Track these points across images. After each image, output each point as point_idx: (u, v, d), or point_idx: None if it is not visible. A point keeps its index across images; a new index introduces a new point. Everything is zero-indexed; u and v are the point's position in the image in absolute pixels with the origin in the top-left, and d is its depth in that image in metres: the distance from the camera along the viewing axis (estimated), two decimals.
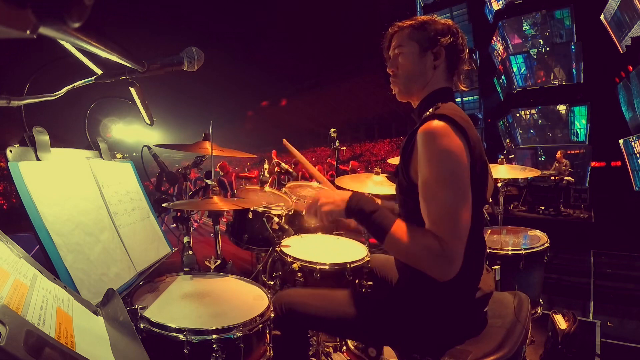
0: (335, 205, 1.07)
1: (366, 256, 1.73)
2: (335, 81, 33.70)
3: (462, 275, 1.12)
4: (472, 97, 20.10)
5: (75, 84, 0.98)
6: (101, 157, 1.42)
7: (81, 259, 1.05)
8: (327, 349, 1.87)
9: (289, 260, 1.66)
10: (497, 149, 16.52)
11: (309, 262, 1.63)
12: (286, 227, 1.82)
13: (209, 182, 1.89)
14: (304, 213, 1.20)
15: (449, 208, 0.94)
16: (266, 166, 2.34)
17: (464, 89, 1.24)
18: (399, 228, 0.98)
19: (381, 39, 1.25)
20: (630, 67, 11.01)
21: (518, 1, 15.18)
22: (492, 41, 16.81)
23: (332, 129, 2.72)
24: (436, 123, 0.98)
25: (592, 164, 14.42)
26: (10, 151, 1.00)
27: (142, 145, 1.95)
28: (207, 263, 1.61)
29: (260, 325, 1.18)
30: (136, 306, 1.08)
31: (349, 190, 1.37)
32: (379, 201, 1.38)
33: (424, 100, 1.17)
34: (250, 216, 2.07)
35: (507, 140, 16.94)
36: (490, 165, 1.29)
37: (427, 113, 1.08)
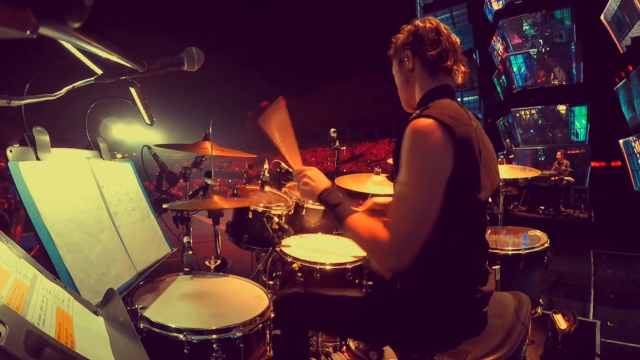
0: (313, 188, 1.18)
1: (366, 256, 1.73)
2: (335, 81, 33.69)
3: (462, 276, 1.13)
4: (472, 97, 20.09)
5: (75, 84, 0.98)
6: (101, 157, 1.42)
7: (81, 259, 1.05)
8: (327, 349, 1.87)
9: (289, 260, 1.66)
10: (497, 149, 16.44)
11: (309, 262, 1.63)
12: (286, 227, 1.82)
13: (209, 181, 1.89)
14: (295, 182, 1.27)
15: (409, 207, 0.96)
16: (266, 166, 2.34)
17: (460, 82, 1.22)
18: (355, 220, 1.07)
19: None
20: (630, 67, 10.99)
21: (518, 1, 15.16)
22: (492, 41, 16.79)
23: (332, 129, 2.72)
24: (420, 122, 0.99)
25: (592, 164, 14.40)
26: (11, 151, 1.00)
27: (142, 145, 1.95)
28: (207, 263, 1.61)
29: (260, 325, 1.18)
30: (136, 306, 1.08)
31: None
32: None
33: (418, 104, 1.19)
34: (250, 216, 2.07)
35: (507, 140, 16.93)
36: None
37: (414, 114, 1.09)
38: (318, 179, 1.19)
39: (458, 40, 1.20)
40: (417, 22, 1.18)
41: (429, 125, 0.97)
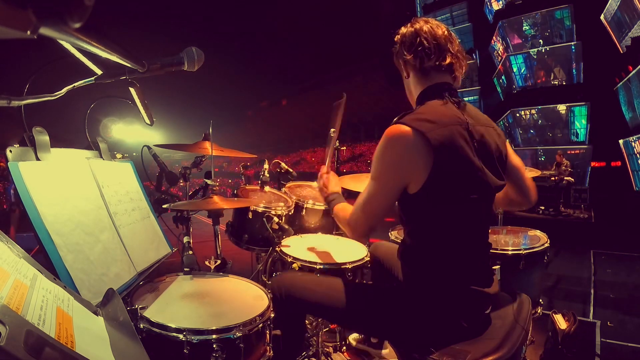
0: (322, 191, 1.50)
1: (366, 256, 1.73)
2: (335, 81, 33.70)
3: (460, 275, 1.13)
4: (472, 97, 20.09)
5: (75, 84, 0.97)
6: (101, 157, 1.42)
7: (81, 259, 1.05)
8: (327, 349, 1.87)
9: (289, 260, 1.66)
10: None
11: (309, 262, 1.63)
12: (286, 227, 1.81)
13: (209, 182, 1.89)
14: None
15: (366, 195, 1.15)
16: (266, 166, 2.34)
17: (459, 75, 1.20)
18: (339, 206, 1.35)
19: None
20: (630, 67, 11.00)
21: (518, 1, 15.18)
22: (492, 41, 16.79)
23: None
24: (392, 128, 1.07)
25: (592, 164, 14.41)
26: (10, 151, 1.00)
27: (142, 145, 1.95)
28: (207, 263, 1.61)
29: (260, 325, 1.18)
30: (136, 306, 1.08)
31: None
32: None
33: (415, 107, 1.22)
34: (250, 216, 2.07)
35: (507, 141, 16.94)
36: None
37: (394, 120, 1.12)
38: (330, 185, 1.48)
39: (445, 31, 1.16)
40: (402, 29, 1.21)
41: (398, 132, 1.04)
